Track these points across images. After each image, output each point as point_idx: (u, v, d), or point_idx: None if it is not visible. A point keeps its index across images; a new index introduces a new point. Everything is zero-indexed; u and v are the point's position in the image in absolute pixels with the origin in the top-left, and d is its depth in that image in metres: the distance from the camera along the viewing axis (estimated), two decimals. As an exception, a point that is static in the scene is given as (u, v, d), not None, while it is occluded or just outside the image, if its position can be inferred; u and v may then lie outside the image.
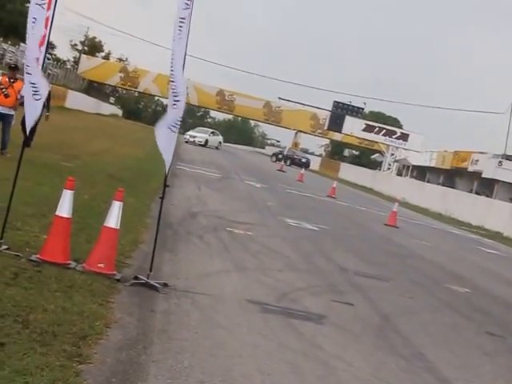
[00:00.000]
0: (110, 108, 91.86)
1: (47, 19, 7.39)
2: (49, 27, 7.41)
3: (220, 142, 67.32)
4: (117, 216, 7.51)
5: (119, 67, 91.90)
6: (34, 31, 7.16)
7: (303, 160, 69.80)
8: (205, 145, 61.75)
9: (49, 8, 7.40)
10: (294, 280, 9.83)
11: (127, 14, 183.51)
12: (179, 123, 7.43)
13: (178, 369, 5.27)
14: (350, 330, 7.71)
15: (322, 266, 11.84)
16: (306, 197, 28.62)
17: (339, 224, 20.60)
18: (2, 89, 15.79)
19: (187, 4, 7.05)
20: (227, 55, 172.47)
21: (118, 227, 7.56)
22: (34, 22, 7.15)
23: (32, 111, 7.47)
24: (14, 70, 16.49)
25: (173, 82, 7.28)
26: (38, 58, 7.25)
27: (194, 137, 62.21)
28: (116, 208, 7.51)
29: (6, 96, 15.74)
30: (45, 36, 7.35)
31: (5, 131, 15.95)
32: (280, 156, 71.02)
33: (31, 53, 7.18)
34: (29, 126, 7.49)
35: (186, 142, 59.94)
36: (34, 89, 7.27)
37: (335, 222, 20.59)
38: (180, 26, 7.12)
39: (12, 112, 16.02)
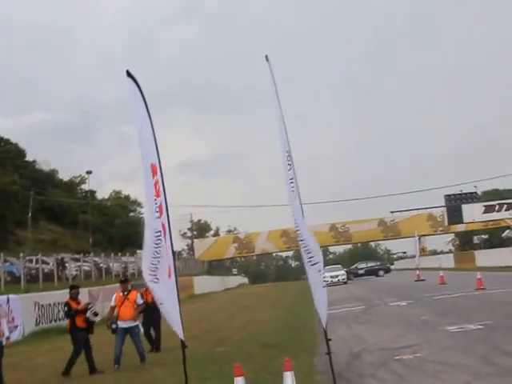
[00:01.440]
0: (235, 279, 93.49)
1: (164, 227, 7.68)
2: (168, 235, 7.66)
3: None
4: (292, 385, 7.43)
5: (231, 239, 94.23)
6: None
7: (379, 267, 73.03)
8: (347, 281, 59.88)
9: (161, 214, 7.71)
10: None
11: (220, 188, 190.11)
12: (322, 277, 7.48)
13: None
14: None
15: (508, 365, 11.17)
16: (457, 297, 27.60)
17: (501, 314, 19.55)
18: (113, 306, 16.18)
19: (289, 165, 7.30)
20: (323, 189, 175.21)
21: (298, 396, 7.46)
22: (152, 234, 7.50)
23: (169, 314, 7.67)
24: (125, 283, 16.76)
25: (302, 240, 7.40)
26: (169, 266, 7.54)
27: (336, 276, 59.82)
28: (289, 378, 7.43)
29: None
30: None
31: (136, 343, 15.98)
32: (358, 272, 72.33)
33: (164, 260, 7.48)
34: (175, 322, 7.65)
35: (328, 285, 57.03)
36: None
37: (496, 314, 19.59)
38: (292, 187, 7.36)
39: (134, 323, 16.08)
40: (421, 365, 12.02)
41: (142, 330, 16.80)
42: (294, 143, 7.47)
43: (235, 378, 7.40)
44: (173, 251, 7.81)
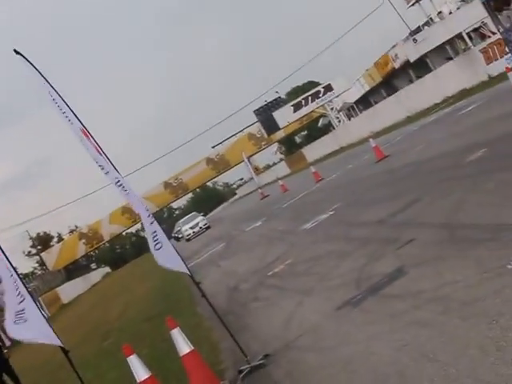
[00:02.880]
0: (97, 273, 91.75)
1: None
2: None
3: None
4: (183, 340, 7.47)
5: (76, 237, 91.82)
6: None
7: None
8: (210, 226, 52.43)
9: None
10: (354, 263, 9.73)
11: (44, 194, 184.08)
12: (156, 237, 7.42)
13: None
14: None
15: (365, 235, 11.78)
16: (302, 197, 28.58)
17: (344, 194, 20.50)
18: None
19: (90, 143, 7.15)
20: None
21: (193, 347, 7.52)
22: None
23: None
24: None
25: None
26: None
27: (196, 225, 52.87)
28: (177, 334, 7.47)
29: None
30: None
31: None
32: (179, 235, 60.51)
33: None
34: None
35: (188, 239, 52.04)
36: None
37: (340, 196, 20.48)
38: (101, 166, 7.24)
39: None
40: (293, 270, 12.43)
41: None
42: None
43: (127, 359, 7.34)
44: (16, 271, 7.51)
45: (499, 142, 12.66)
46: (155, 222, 7.44)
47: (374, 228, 11.78)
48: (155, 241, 7.32)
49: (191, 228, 52.96)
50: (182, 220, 59.40)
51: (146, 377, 7.29)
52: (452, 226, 8.42)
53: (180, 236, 58.95)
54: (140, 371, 7.30)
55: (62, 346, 7.44)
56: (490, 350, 4.54)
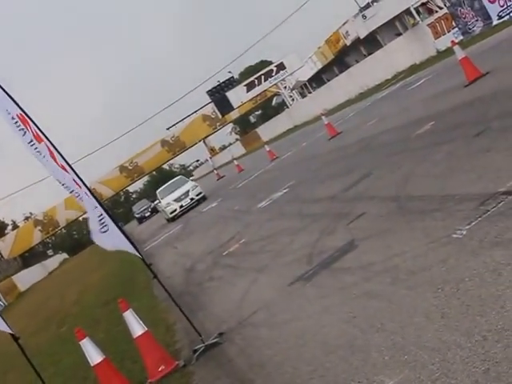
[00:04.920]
0: (54, 260, 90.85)
1: None
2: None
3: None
4: (137, 322, 7.46)
5: (32, 224, 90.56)
6: None
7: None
8: (205, 197, 34.69)
9: None
10: (307, 239, 9.76)
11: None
12: (103, 219, 7.32)
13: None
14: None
15: (318, 211, 11.84)
16: (257, 176, 28.69)
17: (297, 171, 20.64)
18: None
19: (22, 129, 7.02)
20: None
21: (146, 328, 7.52)
22: None
23: None
24: None
25: (64, 185, 7.25)
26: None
27: (186, 195, 34.57)
28: (130, 317, 7.46)
29: None
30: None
31: None
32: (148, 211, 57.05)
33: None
34: None
35: (173, 217, 34.87)
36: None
37: (294, 173, 20.60)
38: (38, 152, 7.11)
39: None
40: (247, 248, 12.47)
41: None
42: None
43: (80, 343, 7.32)
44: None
45: (446, 115, 12.83)
46: (99, 206, 7.34)
47: (326, 204, 11.84)
48: (102, 224, 7.23)
49: (176, 200, 34.97)
50: (163, 188, 39.00)
51: (100, 360, 7.28)
52: (401, 199, 8.53)
53: (147, 215, 55.67)
54: (93, 355, 7.29)
55: (12, 333, 7.37)
56: (435, 317, 4.62)
